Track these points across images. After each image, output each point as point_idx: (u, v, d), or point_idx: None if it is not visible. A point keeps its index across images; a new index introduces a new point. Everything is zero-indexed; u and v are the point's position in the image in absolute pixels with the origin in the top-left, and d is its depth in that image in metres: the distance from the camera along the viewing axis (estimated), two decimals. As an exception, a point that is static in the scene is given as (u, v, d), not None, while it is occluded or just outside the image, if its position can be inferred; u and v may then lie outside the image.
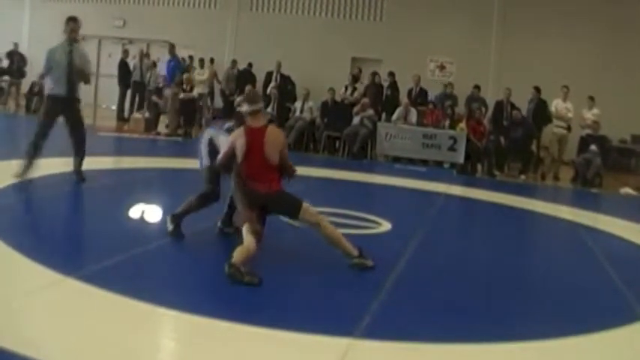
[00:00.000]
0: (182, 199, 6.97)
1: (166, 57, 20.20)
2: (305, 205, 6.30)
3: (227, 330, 4.63)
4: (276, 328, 4.65)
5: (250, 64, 20.15)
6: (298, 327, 4.68)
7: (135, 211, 8.14)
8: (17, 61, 21.26)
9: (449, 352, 4.70)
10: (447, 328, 5.10)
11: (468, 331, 5.07)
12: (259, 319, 4.74)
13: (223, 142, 6.61)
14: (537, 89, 16.88)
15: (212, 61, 20.84)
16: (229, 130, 6.77)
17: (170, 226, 6.90)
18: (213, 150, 6.84)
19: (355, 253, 6.28)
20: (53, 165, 9.76)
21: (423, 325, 5.11)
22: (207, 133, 7.12)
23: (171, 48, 20.01)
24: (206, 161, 6.96)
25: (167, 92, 18.01)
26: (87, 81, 9.43)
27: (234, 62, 20.40)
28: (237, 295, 5.35)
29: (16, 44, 21.81)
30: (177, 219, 6.92)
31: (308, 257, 6.64)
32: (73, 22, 9.25)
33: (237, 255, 5.67)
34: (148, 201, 8.83)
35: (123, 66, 20.64)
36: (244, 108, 6.30)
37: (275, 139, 6.27)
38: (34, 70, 16.74)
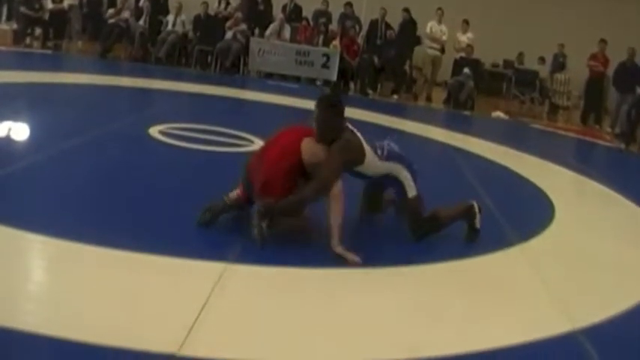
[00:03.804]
0: (53, 114, 6.40)
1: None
2: None
3: (102, 255, 4.26)
4: (153, 254, 4.36)
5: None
6: (175, 253, 4.42)
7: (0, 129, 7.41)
8: None
9: (317, 277, 4.61)
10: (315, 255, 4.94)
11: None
12: (136, 246, 4.40)
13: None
14: (407, 10, 16.86)
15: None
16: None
17: None
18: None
19: None
20: None
21: (293, 251, 4.91)
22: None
23: None
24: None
25: None
26: None
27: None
28: (113, 221, 4.96)
29: None
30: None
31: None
32: None
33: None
34: (14, 118, 7.95)
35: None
36: None
37: None
38: None
